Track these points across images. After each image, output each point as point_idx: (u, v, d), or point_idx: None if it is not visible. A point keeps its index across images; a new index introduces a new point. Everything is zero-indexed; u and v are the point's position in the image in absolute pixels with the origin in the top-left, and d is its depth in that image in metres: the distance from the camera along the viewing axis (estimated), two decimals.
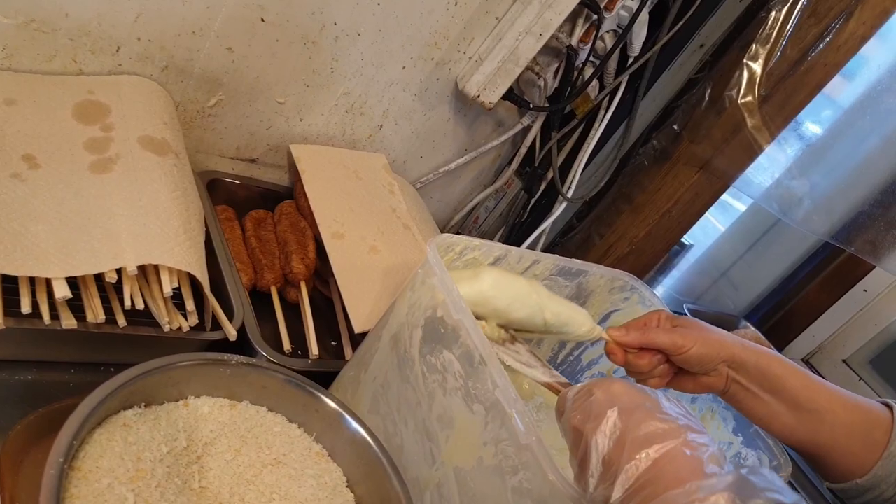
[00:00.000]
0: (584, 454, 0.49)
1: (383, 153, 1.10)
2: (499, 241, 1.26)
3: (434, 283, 0.66)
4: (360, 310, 0.86)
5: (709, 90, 1.15)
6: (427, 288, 0.67)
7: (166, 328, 0.66)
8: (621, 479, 0.46)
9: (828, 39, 1.01)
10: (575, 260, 0.87)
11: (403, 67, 1.03)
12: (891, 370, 1.78)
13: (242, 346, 0.75)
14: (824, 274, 1.86)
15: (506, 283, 0.70)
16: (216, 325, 0.72)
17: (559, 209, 1.16)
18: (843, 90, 1.37)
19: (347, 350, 0.89)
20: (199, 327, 0.71)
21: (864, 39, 1.03)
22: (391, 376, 0.69)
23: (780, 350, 1.83)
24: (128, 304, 0.62)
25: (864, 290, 1.81)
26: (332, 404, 0.64)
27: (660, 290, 1.79)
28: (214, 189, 0.96)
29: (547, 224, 1.17)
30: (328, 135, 1.04)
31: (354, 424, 0.64)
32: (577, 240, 1.28)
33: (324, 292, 0.97)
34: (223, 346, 0.72)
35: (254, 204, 0.99)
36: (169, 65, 0.83)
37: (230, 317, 0.74)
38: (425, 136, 1.15)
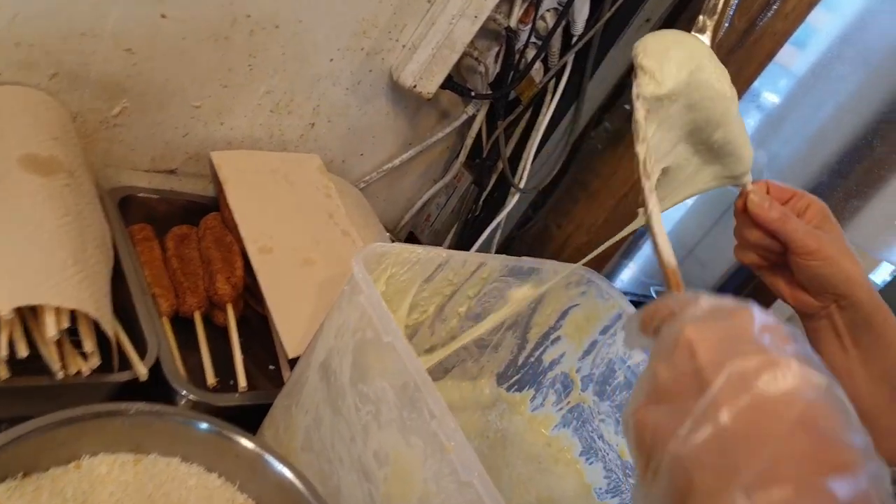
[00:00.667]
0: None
1: (318, 153, 1.02)
2: (452, 238, 1.19)
3: (361, 301, 0.59)
4: (293, 332, 0.78)
5: None
6: (354, 307, 0.60)
7: (59, 375, 0.58)
8: None
9: (775, 7, 0.96)
10: (525, 258, 0.81)
11: (331, 60, 0.95)
12: None
13: (158, 384, 0.67)
14: None
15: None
16: (128, 364, 0.64)
17: (512, 201, 1.09)
18: (795, 59, 1.32)
19: (286, 374, 0.81)
20: (107, 368, 0.63)
21: (811, 6, 0.97)
22: (322, 409, 0.62)
23: None
24: (3, 353, 0.54)
25: None
26: (252, 446, 0.57)
27: (627, 273, 1.73)
28: (129, 207, 0.87)
29: (501, 218, 1.10)
30: (254, 138, 0.96)
31: (279, 467, 0.57)
32: (534, 231, 1.21)
33: (259, 311, 0.89)
34: (137, 387, 0.64)
35: (176, 219, 0.91)
36: (58, 72, 0.74)
37: (143, 353, 0.66)
38: (363, 133, 1.07)
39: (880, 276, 1.54)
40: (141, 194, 0.89)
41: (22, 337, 0.56)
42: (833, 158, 1.47)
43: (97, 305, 0.59)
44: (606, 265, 1.27)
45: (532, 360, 0.93)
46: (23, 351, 0.55)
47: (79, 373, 0.59)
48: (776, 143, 1.54)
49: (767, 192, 0.63)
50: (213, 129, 0.92)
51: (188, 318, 0.81)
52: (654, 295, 1.52)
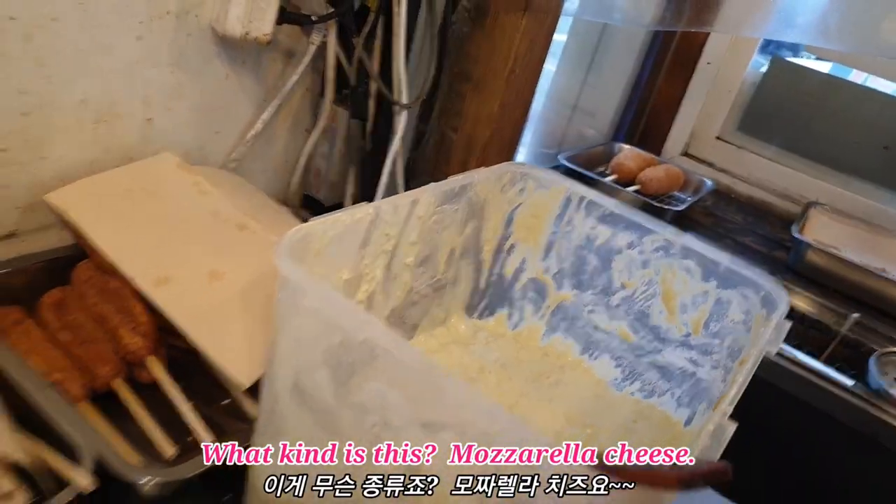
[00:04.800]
0: None
1: (169, 150, 0.86)
2: (353, 184, 1.07)
3: (311, 305, 0.47)
4: (236, 359, 0.66)
5: None
6: (303, 315, 0.48)
7: None
8: None
9: None
10: (451, 178, 0.71)
11: (139, 38, 0.78)
12: (759, 127, 1.77)
13: (110, 484, 0.54)
14: (666, 65, 1.80)
15: None
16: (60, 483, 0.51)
17: (401, 122, 0.97)
18: None
19: (247, 404, 0.69)
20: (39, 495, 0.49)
21: None
22: (315, 438, 0.51)
23: (658, 153, 1.78)
24: None
25: (708, 63, 1.77)
26: None
27: (523, 154, 1.67)
28: None
29: (396, 143, 0.98)
30: (89, 160, 0.79)
31: None
32: (433, 145, 1.11)
33: (181, 345, 0.75)
34: (89, 499, 0.51)
35: (41, 286, 0.74)
36: None
37: (76, 458, 0.53)
38: (210, 108, 0.91)
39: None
40: None
41: None
42: None
43: None
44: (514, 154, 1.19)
45: (494, 279, 0.85)
46: None
47: None
48: None
49: None
50: (34, 169, 0.74)
51: (108, 392, 0.67)
52: (565, 163, 1.45)
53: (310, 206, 1.11)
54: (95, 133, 0.79)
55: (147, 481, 0.55)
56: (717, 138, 1.82)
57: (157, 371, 0.68)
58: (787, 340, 1.13)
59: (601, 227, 0.77)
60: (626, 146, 1.69)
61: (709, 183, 1.60)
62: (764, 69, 1.76)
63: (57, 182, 0.77)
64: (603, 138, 1.82)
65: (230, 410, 0.70)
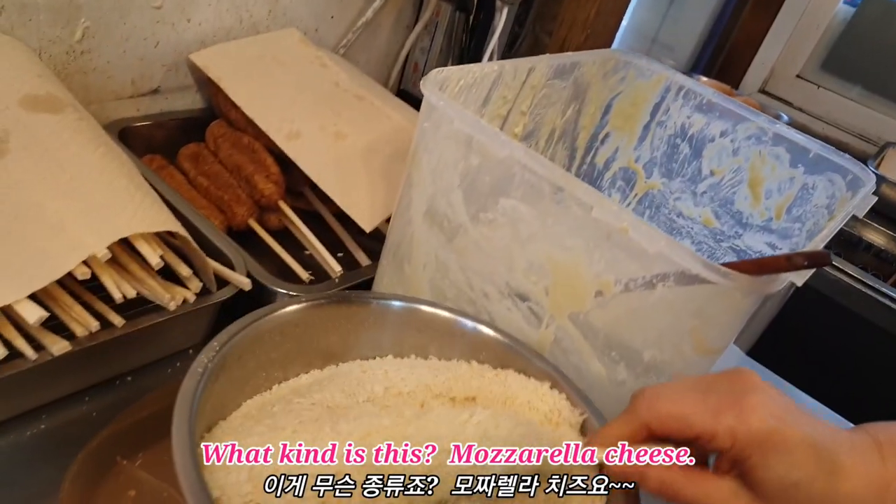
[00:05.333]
0: None
1: (291, 27, 0.93)
2: None
3: (453, 128, 0.54)
4: (360, 206, 0.73)
5: None
6: (445, 139, 0.55)
7: (171, 306, 0.53)
8: None
9: None
10: (564, 53, 0.76)
11: None
12: (843, 67, 1.76)
13: (259, 296, 0.62)
14: None
15: None
16: (220, 284, 0.59)
17: (502, 18, 1.02)
18: None
19: (360, 256, 0.77)
20: (204, 291, 0.58)
21: None
22: (444, 256, 0.58)
23: (735, 88, 1.79)
24: (117, 296, 0.49)
25: None
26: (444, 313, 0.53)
27: None
28: (128, 140, 0.79)
29: (494, 40, 1.03)
30: (225, 28, 0.87)
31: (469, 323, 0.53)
32: (526, 47, 1.15)
33: (302, 206, 0.83)
34: (235, 304, 0.60)
35: (178, 142, 0.83)
36: (3, 5, 0.64)
37: (229, 268, 0.61)
38: None
39: None
40: (136, 124, 0.81)
41: (123, 279, 0.50)
42: None
43: (180, 226, 0.54)
44: None
45: (585, 166, 0.90)
46: (130, 291, 0.50)
47: (185, 301, 0.54)
48: None
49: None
50: (181, 30, 0.82)
51: (241, 232, 0.75)
52: None
53: (406, 101, 1.16)
54: (233, 3, 0.86)
55: (285, 293, 0.64)
56: (798, 76, 1.81)
57: (289, 212, 0.76)
58: (858, 265, 1.17)
59: (697, 116, 0.81)
60: (704, 77, 1.70)
61: (785, 117, 1.61)
62: (854, 8, 1.74)
63: (196, 45, 0.84)
64: (681, 71, 1.83)
65: (344, 262, 0.78)
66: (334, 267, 0.70)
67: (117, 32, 0.75)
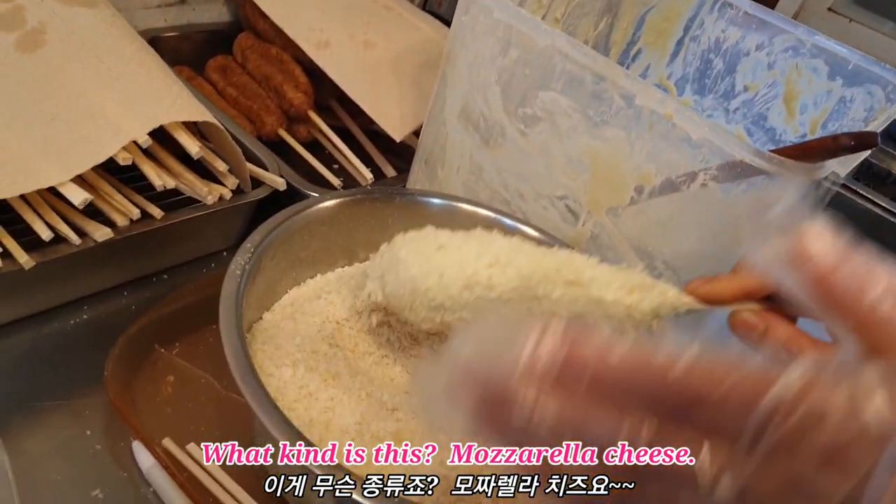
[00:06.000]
0: None
1: None
2: None
3: (492, 20, 0.53)
4: (389, 115, 0.73)
5: None
6: (483, 33, 0.54)
7: (209, 201, 0.53)
8: None
9: None
10: None
11: None
12: (876, 2, 1.71)
13: (291, 199, 0.63)
14: None
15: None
16: (254, 185, 0.59)
17: None
18: None
19: (387, 168, 0.77)
20: (239, 190, 0.58)
21: None
22: (479, 156, 0.58)
23: None
24: (157, 184, 0.49)
25: None
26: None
27: None
28: (156, 50, 0.78)
29: None
30: None
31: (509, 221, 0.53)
32: None
33: (329, 121, 0.83)
34: (269, 203, 0.60)
35: (205, 54, 0.82)
36: None
37: (263, 168, 0.61)
38: None
39: None
40: (164, 35, 0.81)
41: (162, 172, 0.51)
42: None
43: (214, 120, 0.54)
44: None
45: None
46: (170, 181, 0.50)
47: (221, 197, 0.55)
48: None
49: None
50: None
51: (271, 141, 0.75)
52: None
53: None
54: None
55: (321, 196, 0.64)
56: (829, 9, 1.76)
57: (319, 122, 0.75)
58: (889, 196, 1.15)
59: (732, 30, 0.80)
60: None
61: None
62: None
63: None
64: None
65: (374, 174, 0.78)
66: (365, 175, 0.70)
67: None
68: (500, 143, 0.56)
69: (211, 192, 0.53)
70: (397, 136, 0.72)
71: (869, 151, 0.46)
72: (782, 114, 0.79)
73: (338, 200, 0.50)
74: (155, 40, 0.78)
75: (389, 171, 0.77)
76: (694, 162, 0.47)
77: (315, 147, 0.76)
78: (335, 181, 0.70)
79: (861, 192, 1.14)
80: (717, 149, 0.45)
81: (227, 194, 0.55)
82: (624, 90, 0.47)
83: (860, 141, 0.41)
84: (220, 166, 0.54)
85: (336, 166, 0.76)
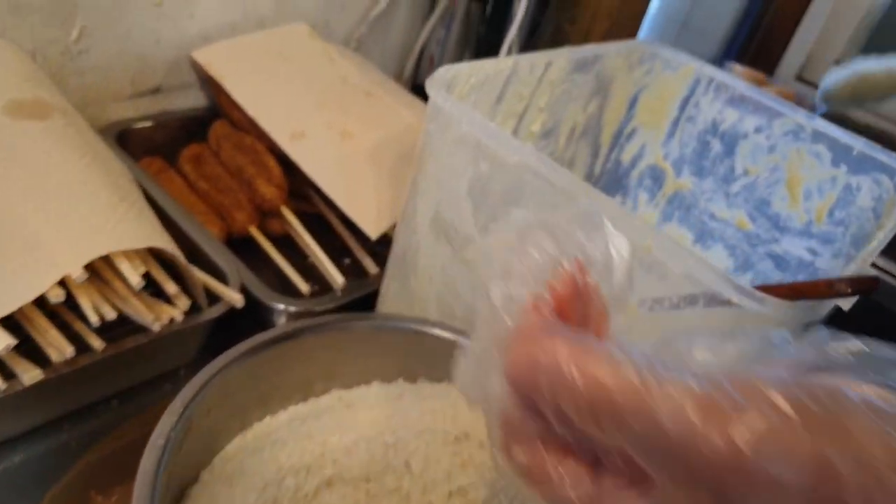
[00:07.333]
0: None
1: (299, 21, 0.89)
2: None
3: (461, 132, 0.49)
4: (366, 212, 0.69)
5: None
6: (452, 143, 0.50)
7: (156, 328, 0.49)
8: None
9: None
10: (585, 46, 0.70)
11: None
12: (885, 52, 1.67)
13: (254, 310, 0.59)
14: None
15: None
16: (211, 300, 0.56)
17: (520, 8, 0.97)
18: None
19: (367, 262, 0.73)
20: (194, 308, 0.54)
21: None
22: (452, 269, 0.54)
23: (770, 74, 1.71)
24: (94, 319, 0.45)
25: None
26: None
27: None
28: (127, 142, 0.76)
29: (513, 31, 0.98)
30: (230, 23, 0.83)
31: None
32: (547, 37, 1.10)
33: (307, 209, 0.79)
34: (229, 321, 0.56)
35: (180, 142, 0.79)
36: None
37: (223, 282, 0.57)
38: None
39: None
40: (135, 126, 0.78)
41: (101, 300, 0.47)
42: None
43: (165, 240, 0.50)
44: None
45: (610, 164, 0.85)
46: (110, 313, 0.46)
47: (172, 320, 0.51)
48: None
49: None
50: (183, 26, 0.78)
51: (241, 239, 0.72)
52: None
53: (421, 96, 1.12)
54: None
55: (284, 308, 0.60)
56: (836, 62, 1.73)
57: (291, 218, 0.72)
58: None
59: (728, 111, 0.76)
60: (738, 65, 1.63)
61: (822, 108, 1.53)
62: None
63: (200, 42, 0.81)
64: (713, 58, 1.76)
65: (351, 269, 0.74)
66: (337, 278, 0.66)
67: (115, 31, 0.72)
68: (472, 258, 0.52)
69: (158, 318, 0.49)
70: (373, 234, 0.69)
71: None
72: (786, 199, 0.75)
73: (291, 329, 0.46)
74: (125, 133, 0.76)
75: (370, 265, 0.73)
76: (678, 292, 0.42)
77: (288, 244, 0.73)
78: (304, 288, 0.66)
79: None
80: (699, 282, 0.41)
81: (179, 316, 0.51)
82: (599, 215, 0.43)
83: (859, 288, 0.36)
84: (171, 288, 0.50)
85: (310, 259, 0.72)
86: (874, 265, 0.97)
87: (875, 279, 0.37)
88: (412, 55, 1.07)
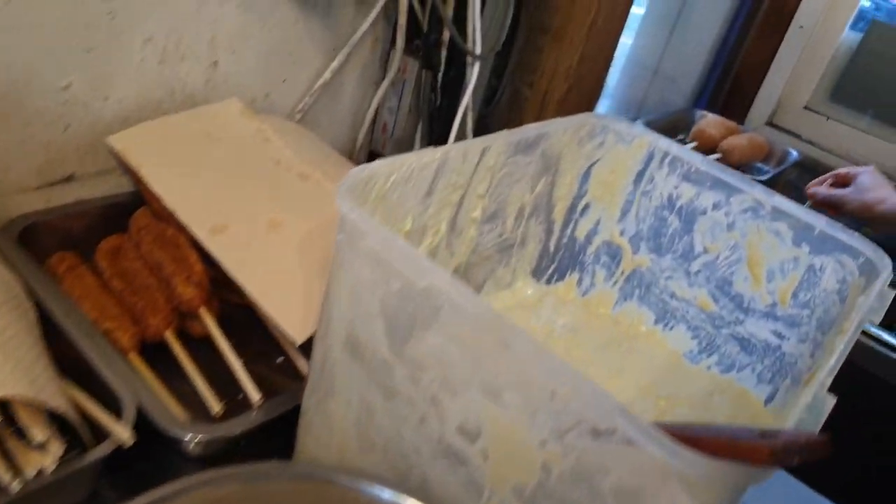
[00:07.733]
0: None
1: (235, 96, 0.83)
2: (420, 141, 1.02)
3: (368, 246, 0.43)
4: (291, 312, 0.63)
5: None
6: (361, 258, 0.44)
7: (14, 487, 0.42)
8: None
9: None
10: (526, 126, 0.65)
11: None
12: (851, 98, 1.64)
13: (152, 440, 0.52)
14: (755, 27, 1.68)
15: None
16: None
17: (473, 74, 0.92)
18: None
19: (301, 363, 0.66)
20: (77, 446, 0.47)
21: None
22: (369, 394, 0.48)
23: (741, 121, 1.68)
24: None
25: (801, 27, 1.65)
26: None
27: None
28: (35, 238, 0.69)
29: (467, 97, 0.93)
30: (153, 101, 0.77)
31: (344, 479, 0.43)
32: (506, 101, 1.05)
33: (238, 301, 0.73)
34: (126, 456, 0.49)
35: (99, 232, 0.73)
36: None
37: (117, 410, 0.51)
38: (277, 53, 0.88)
39: None
40: (43, 219, 0.71)
41: None
42: None
43: (30, 380, 0.43)
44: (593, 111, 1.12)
45: (565, 241, 0.79)
46: None
47: (40, 472, 0.44)
48: None
49: None
50: (96, 108, 0.73)
51: (159, 344, 0.65)
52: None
53: None
54: (160, 74, 0.76)
55: (190, 438, 0.53)
56: (805, 108, 1.70)
57: (209, 323, 0.65)
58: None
59: (685, 186, 0.71)
60: (709, 113, 1.60)
61: (794, 154, 1.49)
62: (861, 35, 1.62)
63: (119, 124, 0.75)
64: (684, 105, 1.73)
65: (284, 369, 0.67)
66: (253, 395, 0.59)
67: (15, 119, 0.66)
68: (389, 386, 0.46)
69: (20, 474, 0.42)
70: (299, 338, 0.62)
71: None
72: (748, 279, 0.69)
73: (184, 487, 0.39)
74: (32, 227, 0.69)
75: (303, 365, 0.66)
76: (607, 426, 0.36)
77: (212, 347, 0.66)
78: (215, 407, 0.59)
79: None
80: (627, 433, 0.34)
81: (50, 466, 0.44)
82: (521, 349, 0.37)
83: (807, 455, 0.30)
84: (39, 435, 0.44)
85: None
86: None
87: (825, 441, 0.31)
88: (364, 124, 1.02)
